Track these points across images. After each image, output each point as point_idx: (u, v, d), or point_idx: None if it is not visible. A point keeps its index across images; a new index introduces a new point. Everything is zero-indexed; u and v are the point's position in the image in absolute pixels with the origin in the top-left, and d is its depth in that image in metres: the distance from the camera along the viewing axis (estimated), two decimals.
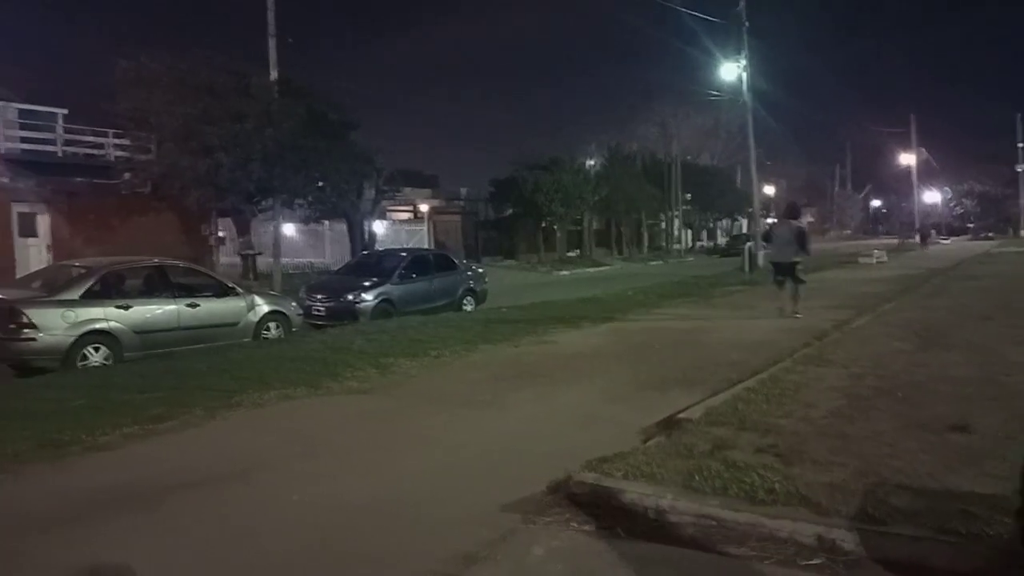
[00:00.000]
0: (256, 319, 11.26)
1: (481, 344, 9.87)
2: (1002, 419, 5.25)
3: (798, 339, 9.56)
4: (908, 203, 63.67)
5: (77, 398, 6.91)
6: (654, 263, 40.15)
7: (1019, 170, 61.12)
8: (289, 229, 28.59)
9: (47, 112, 24.61)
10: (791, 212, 13.47)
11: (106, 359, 9.40)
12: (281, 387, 7.30)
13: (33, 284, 10.66)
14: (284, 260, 23.51)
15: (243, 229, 25.22)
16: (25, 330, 8.96)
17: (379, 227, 31.49)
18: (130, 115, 20.92)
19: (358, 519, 4.14)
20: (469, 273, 17.25)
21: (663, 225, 51.14)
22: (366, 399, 7.10)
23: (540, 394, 7.09)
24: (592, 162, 45.28)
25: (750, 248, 24.13)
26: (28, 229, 21.10)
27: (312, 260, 30.22)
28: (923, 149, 60.55)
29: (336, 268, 20.93)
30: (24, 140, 23.10)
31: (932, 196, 71.71)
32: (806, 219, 11.93)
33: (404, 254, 16.74)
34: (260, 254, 25.01)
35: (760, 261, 25.73)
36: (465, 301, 16.04)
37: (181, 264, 11.87)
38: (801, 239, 12.23)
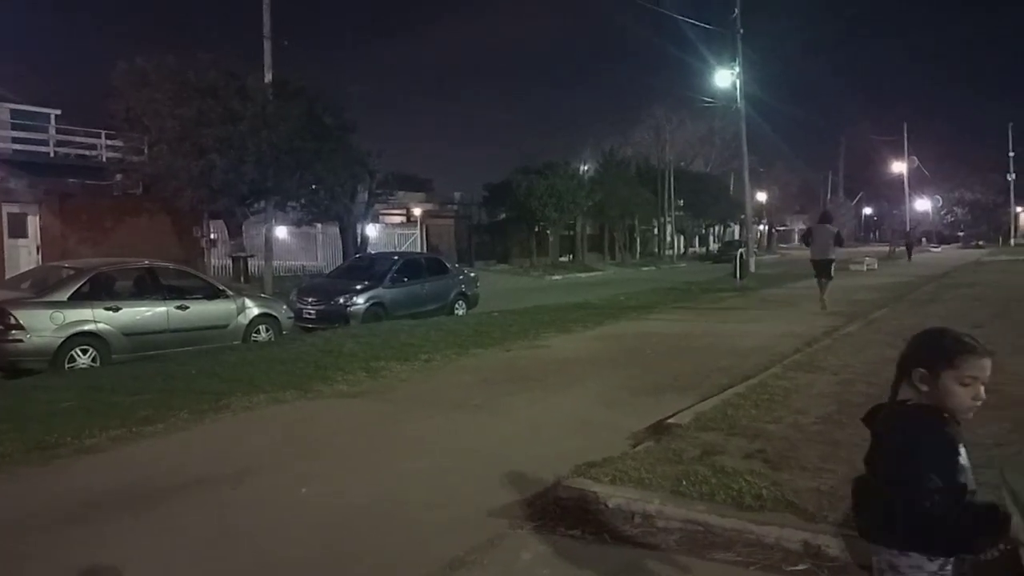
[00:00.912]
0: (246, 322, 11.21)
1: (472, 348, 9.86)
2: (991, 427, 5.26)
3: (789, 345, 9.58)
4: (900, 211, 63.99)
5: (65, 400, 6.86)
6: (646, 269, 40.20)
7: (1010, 179, 61.56)
8: (281, 232, 28.52)
9: (40, 112, 24.54)
10: (826, 218, 15.70)
11: (94, 361, 9.35)
12: (270, 390, 7.27)
13: (22, 285, 10.60)
14: (276, 263, 23.47)
15: (235, 231, 25.14)
16: (13, 331, 8.90)
17: (372, 230, 31.44)
18: (124, 116, 20.87)
19: (345, 523, 4.12)
20: (461, 277, 17.24)
21: (656, 231, 51.27)
22: (356, 403, 7.07)
23: (531, 398, 7.08)
24: (586, 167, 45.38)
25: (742, 254, 24.19)
26: (18, 230, 21.00)
27: (304, 263, 30.16)
28: (914, 157, 60.91)
29: (328, 271, 20.89)
30: (16, 140, 23.02)
31: (923, 204, 72.14)
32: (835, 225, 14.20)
33: (396, 258, 16.75)
34: (252, 256, 24.95)
35: (752, 267, 25.86)
36: (457, 305, 16.03)
37: (171, 266, 11.83)
38: (837, 239, 14.59)
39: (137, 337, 9.87)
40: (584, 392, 7.30)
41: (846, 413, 5.72)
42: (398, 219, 37.98)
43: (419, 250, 32.30)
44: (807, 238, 15.36)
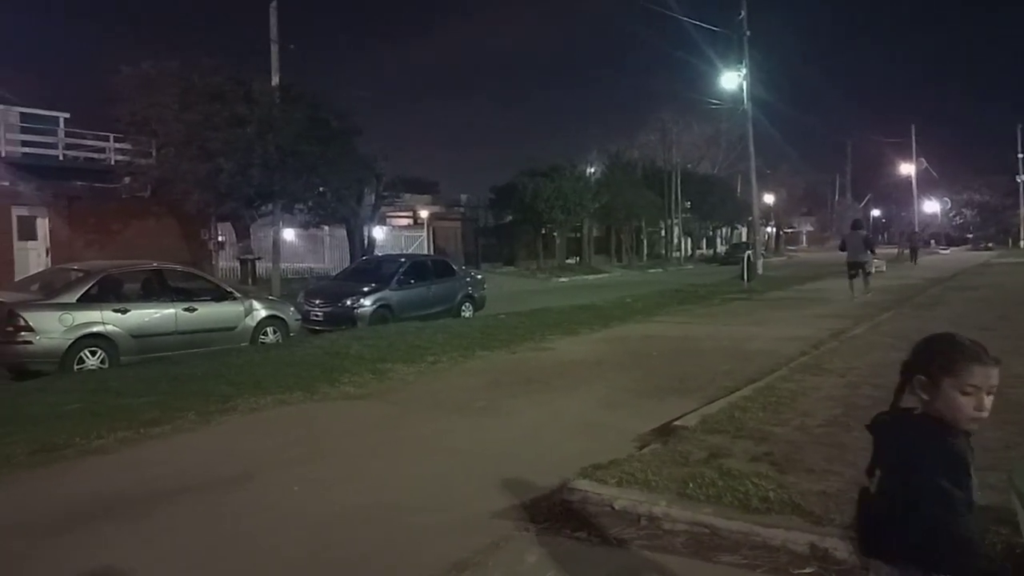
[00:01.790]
0: (254, 324, 11.25)
1: (479, 350, 9.87)
2: (998, 429, 5.23)
3: (796, 348, 9.55)
4: (908, 213, 63.71)
5: (72, 402, 6.90)
6: (653, 271, 40.14)
7: (1019, 180, 61.21)
8: (289, 234, 28.61)
9: (49, 116, 24.69)
10: (857, 225, 18.54)
11: (102, 363, 9.39)
12: (277, 392, 7.29)
13: (31, 287, 10.66)
14: (283, 265, 23.53)
15: (242, 234, 25.24)
16: (22, 333, 8.95)
17: (379, 233, 31.50)
18: (132, 120, 20.98)
19: (351, 525, 4.13)
20: (468, 279, 17.26)
21: (663, 233, 51.17)
22: (362, 405, 7.08)
23: (537, 401, 7.08)
24: (592, 169, 45.33)
25: (749, 256, 24.12)
26: (28, 232, 21.13)
27: (312, 265, 30.24)
28: (922, 159, 60.66)
29: (335, 273, 20.93)
30: (25, 144, 23.17)
31: (932, 206, 71.81)
32: (865, 231, 18.89)
33: (403, 260, 16.75)
34: (259, 259, 25.03)
35: (759, 270, 25.78)
36: (463, 307, 16.04)
37: (179, 268, 11.88)
38: (868, 243, 17.20)
39: (145, 339, 9.91)
40: (590, 394, 7.29)
41: (853, 416, 5.70)
42: (405, 221, 38.04)
43: (426, 252, 32.30)
44: (843, 244, 17.87)
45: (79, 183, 22.34)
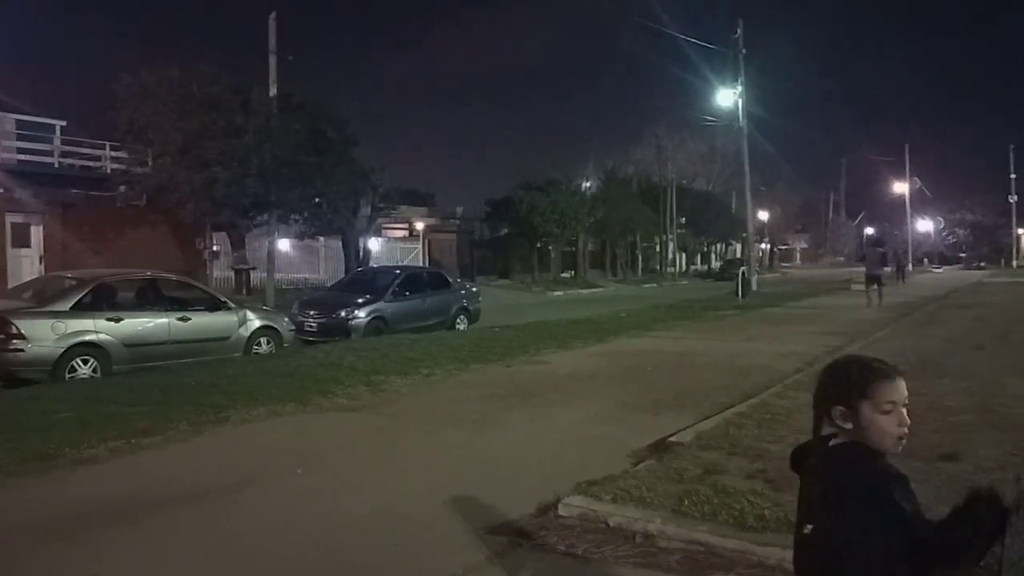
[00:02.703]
0: (247, 334, 11.20)
1: (473, 363, 9.84)
2: (993, 448, 5.24)
3: (791, 364, 9.56)
4: (901, 231, 64.02)
5: (64, 410, 6.84)
6: (648, 286, 40.18)
7: (1012, 200, 61.60)
8: (284, 244, 28.57)
9: (45, 123, 24.66)
10: (876, 243, 24.00)
11: (95, 371, 9.33)
12: (270, 403, 7.25)
13: (24, 295, 10.59)
14: (278, 275, 23.49)
15: (237, 243, 25.19)
16: (14, 341, 8.88)
17: (374, 244, 31.48)
18: (127, 128, 20.97)
19: (342, 538, 4.09)
20: (463, 292, 17.24)
21: (657, 248, 51.28)
22: (356, 417, 7.05)
23: (531, 415, 7.05)
24: (588, 184, 45.46)
25: (744, 272, 24.19)
26: (21, 239, 21.05)
27: (307, 276, 30.18)
28: (916, 179, 61.00)
29: (330, 284, 20.89)
30: (21, 151, 23.10)
31: (925, 225, 72.16)
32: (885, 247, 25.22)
33: (398, 271, 16.73)
34: (254, 269, 24.97)
35: (754, 286, 25.84)
36: (458, 320, 16.01)
37: (173, 277, 11.82)
38: (884, 258, 21.24)
39: (138, 348, 9.85)
40: (585, 408, 7.27)
41: None
42: (400, 233, 38.06)
43: (421, 264, 32.29)
44: (863, 258, 21.60)
45: (74, 191, 22.30)
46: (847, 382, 1.81)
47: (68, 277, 10.64)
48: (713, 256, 62.79)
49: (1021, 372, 8.28)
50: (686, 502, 4.13)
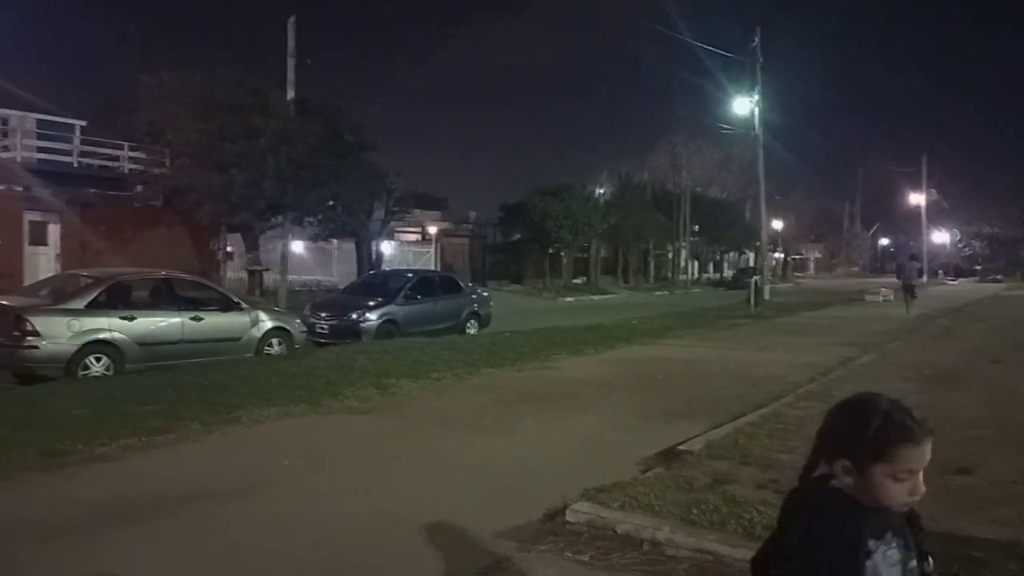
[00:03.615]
0: (259, 335, 11.24)
1: (484, 368, 9.84)
2: (1009, 463, 5.17)
3: (803, 374, 9.49)
4: (917, 242, 63.50)
5: (77, 408, 6.89)
6: (660, 293, 40.08)
7: None
8: (297, 246, 28.71)
9: (65, 123, 24.93)
10: (913, 257, 26.46)
11: (108, 370, 9.39)
12: (281, 404, 7.28)
13: (40, 292, 10.69)
14: (291, 277, 23.58)
15: (251, 245, 25.32)
16: (29, 337, 8.96)
17: (387, 247, 31.58)
18: (146, 129, 21.16)
19: (349, 541, 4.09)
20: (474, 296, 17.24)
21: (670, 256, 51.13)
22: (366, 419, 7.06)
23: (541, 420, 7.04)
24: (602, 190, 45.42)
25: (757, 282, 24.06)
26: (39, 237, 21.24)
27: (319, 278, 30.29)
28: (933, 190, 60.51)
29: (342, 287, 20.96)
30: (41, 150, 23.36)
31: (941, 236, 71.58)
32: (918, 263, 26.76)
33: (410, 275, 16.75)
34: (267, 270, 25.09)
35: (767, 295, 25.70)
36: (469, 324, 16.01)
37: (187, 277, 11.90)
38: (919, 272, 23.79)
39: (151, 347, 9.91)
40: (595, 415, 7.25)
41: None
42: (413, 237, 38.16)
43: (433, 268, 32.36)
44: (899, 271, 24.00)
45: (92, 190, 22.49)
46: (863, 435, 1.51)
47: (84, 275, 10.72)
48: (726, 264, 62.52)
49: None
50: (695, 511, 4.11)
